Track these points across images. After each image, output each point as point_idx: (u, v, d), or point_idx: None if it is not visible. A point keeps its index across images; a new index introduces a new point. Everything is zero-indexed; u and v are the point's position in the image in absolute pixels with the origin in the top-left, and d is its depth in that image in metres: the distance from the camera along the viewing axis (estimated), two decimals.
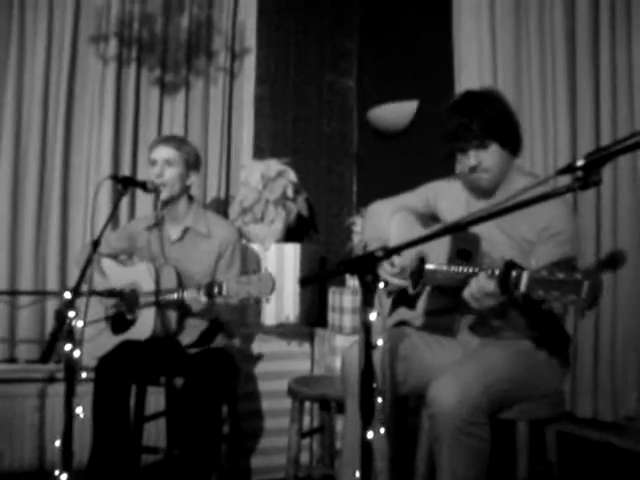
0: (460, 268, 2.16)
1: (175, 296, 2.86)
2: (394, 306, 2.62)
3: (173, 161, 3.07)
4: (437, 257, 2.31)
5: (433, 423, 2.19)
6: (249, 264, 3.58)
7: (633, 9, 2.76)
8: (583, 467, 2.79)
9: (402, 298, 2.56)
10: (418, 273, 2.42)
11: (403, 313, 2.54)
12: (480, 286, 2.05)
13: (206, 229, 3.12)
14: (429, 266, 2.24)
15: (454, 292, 2.19)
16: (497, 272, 1.98)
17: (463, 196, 2.56)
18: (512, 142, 2.40)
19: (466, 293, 2.11)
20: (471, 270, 2.11)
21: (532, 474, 2.34)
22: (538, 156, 3.09)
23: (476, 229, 2.18)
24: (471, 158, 2.36)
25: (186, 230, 3.13)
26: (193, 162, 3.15)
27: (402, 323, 2.54)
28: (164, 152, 3.08)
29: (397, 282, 2.49)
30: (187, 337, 3.06)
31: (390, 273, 2.49)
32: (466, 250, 2.30)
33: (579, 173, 1.51)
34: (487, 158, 2.36)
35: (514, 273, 1.87)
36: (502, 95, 2.46)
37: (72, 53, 3.90)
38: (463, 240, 2.31)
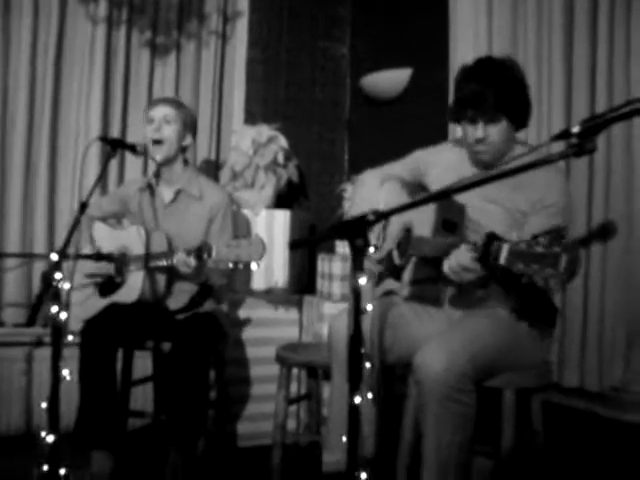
0: (444, 239, 2.15)
1: (164, 260, 2.85)
2: (380, 278, 2.61)
3: (171, 119, 3.06)
4: (423, 228, 2.30)
5: (419, 390, 2.20)
6: (240, 230, 3.57)
7: None
8: (568, 436, 2.81)
9: (389, 269, 2.56)
10: (405, 243, 2.41)
11: (390, 283, 2.54)
12: (459, 260, 2.06)
13: (198, 192, 3.10)
14: (415, 236, 2.23)
15: (439, 263, 2.19)
16: (471, 243, 1.99)
17: (453, 162, 2.52)
18: (521, 118, 2.36)
19: (446, 267, 2.12)
20: (454, 242, 2.10)
21: (518, 442, 2.35)
22: (532, 125, 3.05)
23: (468, 197, 2.16)
24: (479, 130, 2.31)
25: (179, 192, 3.11)
26: (190, 124, 3.14)
27: (389, 293, 2.54)
28: (163, 110, 3.08)
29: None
30: (176, 302, 3.05)
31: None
32: (451, 221, 2.29)
33: (574, 140, 1.50)
34: (495, 132, 2.32)
35: (494, 245, 1.87)
36: (520, 68, 2.39)
37: (61, 14, 3.81)
38: (449, 210, 2.30)
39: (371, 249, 2.53)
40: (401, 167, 2.70)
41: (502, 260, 1.80)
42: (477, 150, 2.37)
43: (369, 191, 2.71)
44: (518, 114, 2.34)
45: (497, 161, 2.38)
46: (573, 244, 1.73)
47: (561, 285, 1.77)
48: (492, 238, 1.90)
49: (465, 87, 2.32)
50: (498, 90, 2.26)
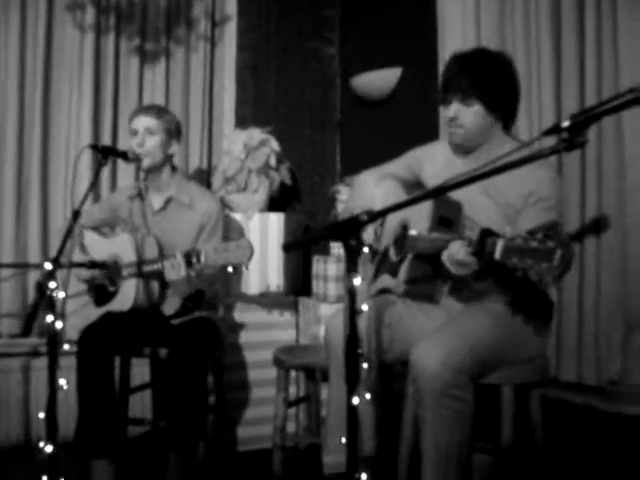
0: (440, 235, 2.16)
1: (156, 266, 2.84)
2: (376, 274, 2.61)
3: (154, 130, 3.04)
4: (420, 225, 2.30)
5: (416, 387, 2.20)
6: (232, 235, 3.56)
7: None
8: (567, 430, 2.81)
9: (385, 266, 2.56)
10: (401, 240, 2.42)
11: (386, 280, 2.54)
12: (453, 254, 2.08)
13: (189, 200, 3.10)
14: (412, 233, 2.24)
15: (435, 259, 2.20)
16: (474, 240, 1.99)
17: (445, 156, 2.55)
18: (502, 109, 2.39)
19: (444, 256, 2.13)
20: (450, 238, 2.12)
21: (517, 438, 2.35)
22: (521, 119, 3.06)
23: (461, 194, 2.16)
24: (451, 110, 2.38)
25: (169, 200, 3.10)
26: (174, 130, 3.12)
27: (385, 291, 2.54)
28: (145, 121, 3.05)
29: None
30: (170, 307, 3.04)
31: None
32: (448, 218, 2.30)
33: (564, 134, 1.50)
34: (466, 115, 2.36)
35: (489, 241, 1.87)
36: (512, 63, 2.44)
37: (48, 22, 3.81)
38: (445, 208, 2.32)
39: (365, 249, 2.54)
40: (397, 166, 2.72)
41: (497, 255, 1.81)
42: (450, 131, 2.43)
43: (366, 191, 2.73)
44: (496, 101, 2.36)
45: (472, 147, 2.43)
46: (567, 239, 1.74)
47: (555, 280, 1.78)
48: (487, 234, 1.91)
49: (447, 70, 2.41)
50: (473, 74, 2.32)
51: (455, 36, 3.42)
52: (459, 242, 2.07)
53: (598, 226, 2.80)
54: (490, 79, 2.33)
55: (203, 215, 3.08)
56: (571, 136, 1.51)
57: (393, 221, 2.53)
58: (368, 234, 2.58)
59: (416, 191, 2.59)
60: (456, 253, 2.07)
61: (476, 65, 2.34)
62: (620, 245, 2.76)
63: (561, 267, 1.69)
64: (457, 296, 2.46)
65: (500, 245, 1.81)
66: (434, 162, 2.58)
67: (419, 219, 2.32)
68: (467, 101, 2.34)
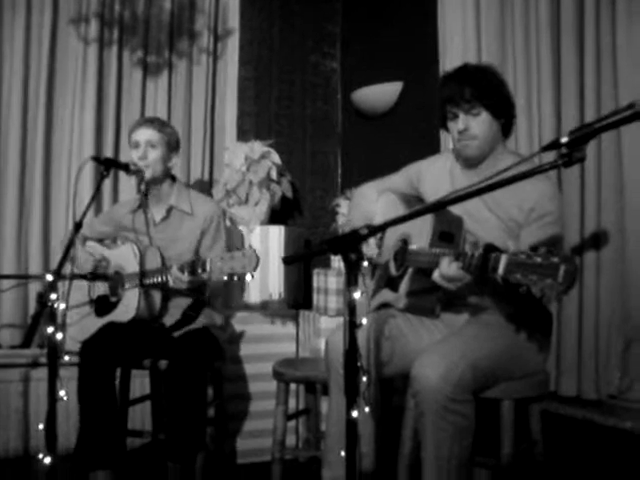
0: (440, 250, 2.16)
1: (159, 276, 2.85)
2: (377, 288, 2.62)
3: (155, 143, 3.05)
4: (420, 239, 2.31)
5: (417, 401, 2.20)
6: (234, 245, 3.57)
7: None
8: (567, 445, 2.81)
9: (385, 280, 2.56)
10: (401, 255, 2.42)
11: (386, 295, 2.54)
12: (442, 272, 2.09)
13: (189, 207, 3.12)
14: (412, 247, 2.25)
15: None
16: (469, 254, 2.01)
17: (447, 167, 2.57)
18: (504, 116, 2.41)
19: (435, 275, 2.13)
20: (447, 253, 2.12)
21: (517, 452, 2.35)
22: (522, 134, 3.08)
23: (463, 207, 2.17)
24: (460, 122, 2.38)
25: (170, 209, 3.12)
26: (174, 143, 3.14)
27: (385, 305, 2.55)
28: (147, 134, 3.06)
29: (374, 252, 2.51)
30: (171, 318, 3.05)
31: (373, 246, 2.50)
32: (449, 232, 2.30)
33: (563, 150, 1.51)
34: (476, 125, 2.37)
35: (493, 256, 1.88)
36: (499, 73, 2.47)
37: (52, 34, 3.84)
38: (446, 222, 2.32)
39: (365, 263, 2.54)
40: (397, 179, 2.74)
41: (501, 271, 1.81)
42: (462, 145, 2.42)
43: (366, 204, 2.75)
44: (499, 109, 2.39)
45: (483, 157, 2.43)
46: (571, 255, 1.74)
47: (558, 296, 1.77)
48: (491, 249, 1.91)
49: (444, 89, 2.42)
50: (474, 84, 2.34)
51: (456, 50, 3.44)
52: (447, 259, 2.08)
53: (597, 241, 2.81)
54: (490, 86, 2.37)
55: (204, 220, 3.10)
56: (570, 151, 1.52)
57: (393, 235, 2.54)
58: (371, 247, 2.59)
59: (416, 205, 2.60)
60: (446, 270, 2.08)
61: (474, 76, 2.37)
62: (619, 260, 2.76)
63: (565, 283, 1.69)
64: (456, 310, 2.47)
65: (503, 261, 1.80)
66: (434, 176, 2.59)
67: (420, 234, 2.32)
68: (473, 110, 2.35)
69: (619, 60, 2.74)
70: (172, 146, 3.12)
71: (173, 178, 3.18)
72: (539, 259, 1.71)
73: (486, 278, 1.95)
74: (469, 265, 2.00)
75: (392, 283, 2.50)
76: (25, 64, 3.78)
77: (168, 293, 2.99)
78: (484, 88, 2.35)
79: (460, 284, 2.10)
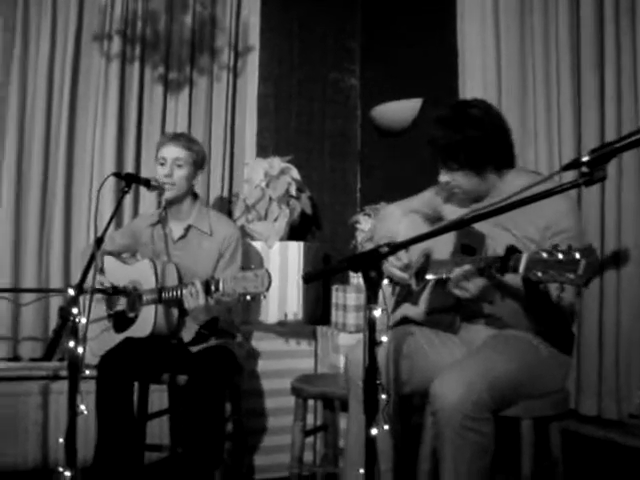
0: (461, 259, 2.17)
1: (175, 293, 2.86)
2: (397, 305, 2.62)
3: (183, 162, 3.07)
4: (442, 254, 2.31)
5: (436, 419, 2.19)
6: (252, 263, 3.58)
7: (638, 11, 2.74)
8: (587, 465, 2.78)
9: (406, 295, 2.57)
10: (423, 269, 2.42)
11: (407, 309, 2.54)
12: (454, 279, 2.10)
13: (208, 228, 3.13)
14: (434, 260, 2.25)
15: None
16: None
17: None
18: (487, 163, 2.38)
19: (449, 284, 2.14)
20: (472, 260, 2.13)
21: (537, 471, 2.33)
22: (542, 157, 3.08)
23: (481, 228, 2.17)
24: (441, 177, 2.43)
25: (189, 228, 3.13)
26: (200, 161, 3.16)
27: (405, 319, 2.54)
28: (175, 151, 3.08)
29: (400, 275, 2.49)
30: (189, 334, 3.06)
31: (396, 266, 2.48)
32: (470, 246, 2.30)
33: (584, 169, 1.51)
34: (457, 179, 2.40)
35: (514, 257, 1.89)
36: (493, 111, 2.43)
37: (75, 50, 3.89)
38: (467, 237, 2.32)
39: (385, 281, 2.55)
40: (420, 201, 2.76)
41: (521, 269, 1.81)
42: (453, 193, 2.48)
43: (391, 224, 2.76)
44: (480, 162, 2.36)
45: (479, 198, 2.45)
46: (591, 246, 1.73)
47: (578, 288, 1.77)
48: (512, 251, 1.92)
49: (431, 131, 2.40)
50: (447, 149, 2.34)
51: (475, 67, 3.44)
52: (459, 267, 2.09)
53: (618, 259, 2.79)
54: (466, 141, 2.31)
55: (222, 242, 3.11)
56: (591, 170, 1.51)
57: (416, 252, 2.54)
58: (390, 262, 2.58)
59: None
60: (460, 273, 2.09)
61: (453, 128, 2.33)
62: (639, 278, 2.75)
63: (586, 275, 1.68)
64: (474, 323, 2.46)
65: (524, 258, 1.81)
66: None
67: (442, 247, 2.33)
68: (450, 167, 2.38)
69: (639, 79, 2.74)
70: (198, 164, 3.14)
71: (195, 195, 3.20)
72: (560, 255, 1.71)
73: (504, 285, 1.94)
74: (490, 267, 2.00)
75: (413, 297, 2.50)
76: (49, 80, 3.83)
77: (184, 309, 2.99)
78: (460, 147, 2.31)
79: (475, 290, 2.10)
